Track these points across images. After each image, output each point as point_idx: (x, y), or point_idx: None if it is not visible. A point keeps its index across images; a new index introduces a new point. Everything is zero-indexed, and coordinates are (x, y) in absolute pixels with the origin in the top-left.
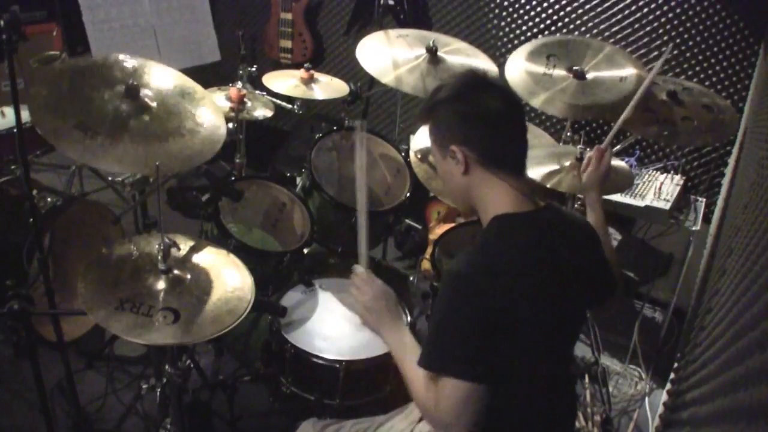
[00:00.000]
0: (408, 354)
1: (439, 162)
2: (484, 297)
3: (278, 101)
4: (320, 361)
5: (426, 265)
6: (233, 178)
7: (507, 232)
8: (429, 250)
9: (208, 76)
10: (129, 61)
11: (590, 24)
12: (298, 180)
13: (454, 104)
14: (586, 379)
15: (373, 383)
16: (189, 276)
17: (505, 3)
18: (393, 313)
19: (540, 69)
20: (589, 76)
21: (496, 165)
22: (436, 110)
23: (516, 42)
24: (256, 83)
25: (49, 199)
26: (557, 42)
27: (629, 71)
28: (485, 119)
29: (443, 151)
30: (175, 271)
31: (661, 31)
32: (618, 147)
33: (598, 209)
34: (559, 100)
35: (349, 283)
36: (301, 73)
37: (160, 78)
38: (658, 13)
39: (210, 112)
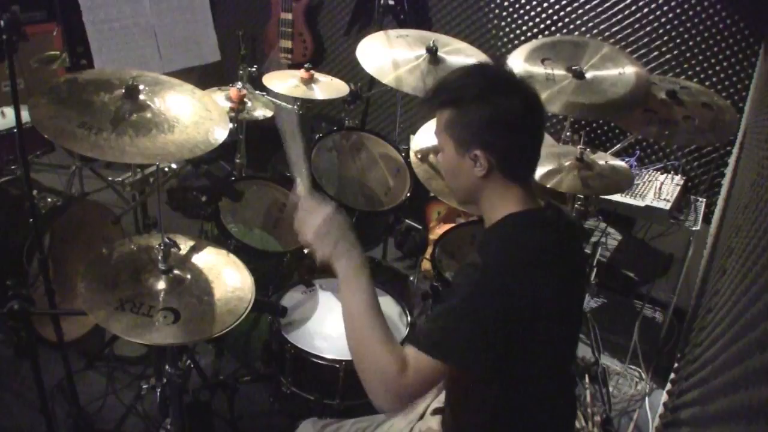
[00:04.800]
0: (367, 301)
1: (449, 155)
2: (509, 292)
3: (278, 101)
4: (320, 361)
5: (426, 265)
6: (233, 178)
7: (524, 230)
8: (429, 250)
9: (208, 76)
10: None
11: (590, 24)
12: (299, 180)
13: (483, 106)
14: (586, 379)
15: None
16: (189, 276)
17: (505, 3)
18: (349, 238)
19: (540, 70)
20: (588, 75)
21: (516, 171)
22: (460, 106)
23: (516, 42)
24: (256, 83)
25: (49, 199)
26: (550, 43)
27: (628, 67)
28: (511, 127)
29: (462, 150)
30: (175, 271)
31: (661, 31)
32: (618, 147)
33: None
34: (560, 101)
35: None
36: (301, 73)
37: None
38: (658, 13)
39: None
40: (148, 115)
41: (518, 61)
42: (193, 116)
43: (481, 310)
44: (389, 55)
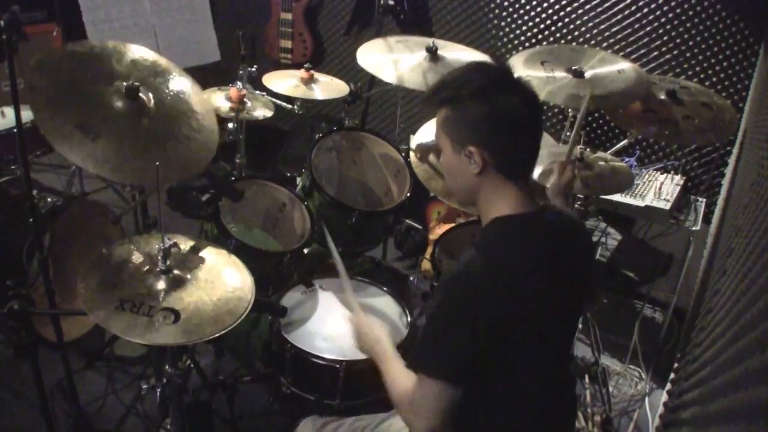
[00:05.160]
0: (393, 363)
1: (448, 155)
2: (483, 301)
3: (278, 101)
4: (320, 361)
5: (426, 265)
6: (233, 178)
7: (506, 234)
8: (429, 250)
9: (208, 76)
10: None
11: (590, 24)
12: (298, 180)
13: (481, 104)
14: (586, 379)
15: (373, 383)
16: (189, 276)
17: (505, 3)
18: (382, 345)
19: (540, 73)
20: (588, 74)
21: (511, 170)
22: (459, 104)
23: (516, 42)
24: (256, 83)
25: (49, 199)
26: (548, 50)
27: (625, 65)
28: (511, 126)
29: (458, 147)
30: (175, 271)
31: (661, 31)
32: (618, 147)
33: None
34: (562, 94)
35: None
36: (301, 73)
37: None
38: (658, 13)
39: (205, 116)
40: (145, 121)
41: (517, 66)
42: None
43: (452, 320)
44: (389, 58)
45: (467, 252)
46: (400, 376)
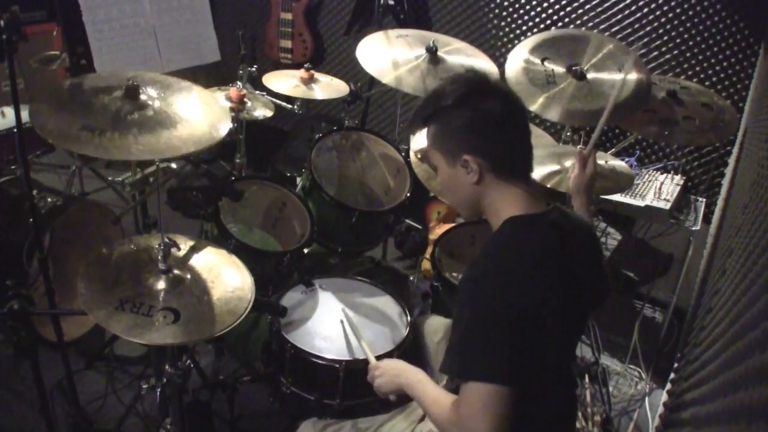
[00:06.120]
0: (427, 388)
1: (443, 170)
2: (506, 299)
3: (278, 101)
4: (320, 361)
5: (426, 265)
6: (233, 178)
7: (522, 234)
8: (429, 250)
9: (208, 76)
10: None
11: (590, 24)
12: (298, 180)
13: (462, 111)
14: (586, 379)
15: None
16: (189, 276)
17: (505, 3)
18: (408, 373)
19: (540, 69)
20: (590, 75)
21: (508, 171)
22: (441, 117)
23: (516, 42)
24: (256, 83)
25: (49, 199)
26: (551, 40)
27: (627, 65)
28: (495, 125)
29: (452, 159)
30: (175, 271)
31: (661, 31)
32: (618, 147)
33: (584, 214)
34: (558, 106)
35: (349, 284)
36: (301, 73)
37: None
38: (658, 13)
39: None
40: (150, 113)
41: (519, 60)
42: (193, 111)
43: (481, 321)
44: (389, 55)
45: (482, 251)
46: (439, 396)
